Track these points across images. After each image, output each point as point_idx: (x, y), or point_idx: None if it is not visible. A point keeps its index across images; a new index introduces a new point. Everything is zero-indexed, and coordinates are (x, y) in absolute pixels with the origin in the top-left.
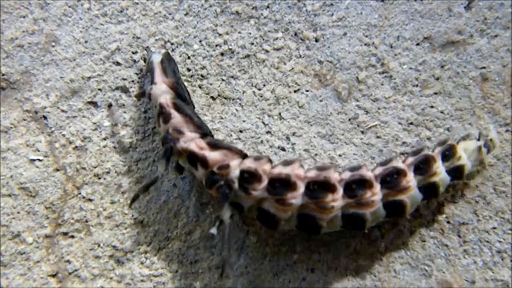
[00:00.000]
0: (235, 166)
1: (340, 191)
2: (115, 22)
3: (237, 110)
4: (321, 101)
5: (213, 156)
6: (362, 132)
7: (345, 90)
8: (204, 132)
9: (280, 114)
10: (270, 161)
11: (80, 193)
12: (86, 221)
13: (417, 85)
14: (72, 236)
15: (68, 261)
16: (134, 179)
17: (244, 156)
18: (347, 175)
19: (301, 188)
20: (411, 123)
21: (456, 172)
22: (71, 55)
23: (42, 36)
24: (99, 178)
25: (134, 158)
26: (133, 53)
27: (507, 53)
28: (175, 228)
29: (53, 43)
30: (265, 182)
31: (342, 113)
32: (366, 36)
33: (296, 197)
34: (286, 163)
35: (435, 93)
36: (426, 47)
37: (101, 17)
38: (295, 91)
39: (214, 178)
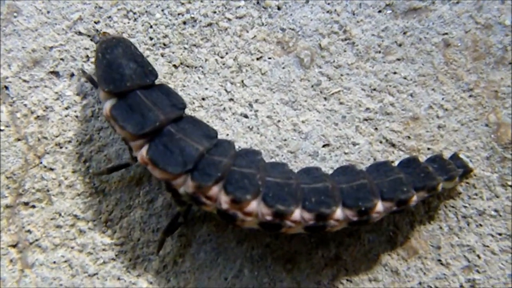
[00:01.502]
0: (179, 185)
1: (300, 228)
2: None
3: (199, 78)
4: (283, 68)
5: (155, 173)
6: (325, 98)
7: (308, 57)
8: (143, 134)
9: (242, 81)
10: (221, 177)
11: (41, 163)
12: (47, 190)
13: (379, 52)
14: (33, 206)
15: (29, 231)
16: (96, 147)
17: (191, 169)
18: (309, 217)
19: (254, 222)
20: (374, 89)
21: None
22: (33, 25)
23: (4, 7)
24: (61, 148)
25: (96, 127)
26: (95, 23)
27: (469, 19)
28: (137, 196)
29: (15, 14)
30: (213, 206)
31: (305, 80)
32: (328, 4)
33: (250, 223)
34: (240, 180)
35: (398, 59)
36: (388, 14)
37: None
38: (257, 59)
39: (167, 186)
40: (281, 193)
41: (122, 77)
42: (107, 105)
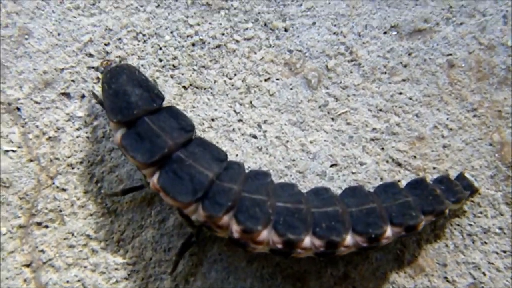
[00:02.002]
0: (191, 213)
1: (309, 253)
2: (88, 15)
3: (208, 99)
4: (291, 89)
5: (167, 201)
6: (332, 119)
7: (315, 78)
8: (152, 162)
9: (251, 102)
10: (232, 206)
11: (53, 183)
12: (60, 210)
13: (385, 72)
14: (46, 226)
15: (42, 250)
16: (107, 168)
17: (202, 197)
18: (320, 244)
19: (265, 248)
20: (380, 110)
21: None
22: (44, 47)
23: (15, 29)
24: (73, 168)
25: (107, 148)
26: (105, 44)
27: (473, 40)
28: (148, 216)
29: (26, 36)
30: (224, 233)
31: (312, 101)
32: (335, 25)
33: (261, 250)
34: (251, 208)
35: (403, 80)
36: (394, 35)
37: (74, 10)
38: (265, 80)
39: (179, 213)
40: (292, 219)
41: (129, 105)
42: (118, 135)
